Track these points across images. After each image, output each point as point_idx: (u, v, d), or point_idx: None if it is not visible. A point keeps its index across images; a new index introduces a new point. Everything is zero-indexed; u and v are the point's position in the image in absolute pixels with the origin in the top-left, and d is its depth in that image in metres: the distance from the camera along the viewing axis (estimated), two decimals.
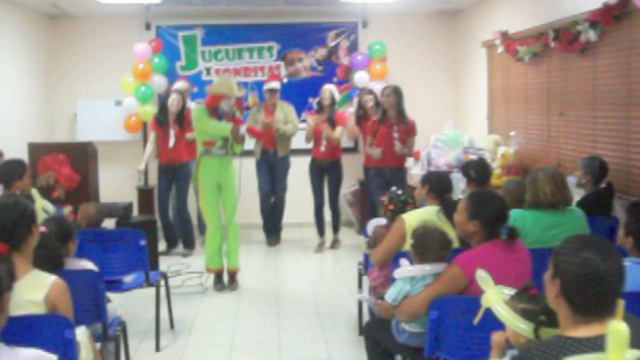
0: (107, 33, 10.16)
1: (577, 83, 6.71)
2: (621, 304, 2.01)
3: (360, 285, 6.05)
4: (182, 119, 8.46)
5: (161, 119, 8.55)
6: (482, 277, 2.85)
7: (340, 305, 6.67)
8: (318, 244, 9.02)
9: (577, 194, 5.85)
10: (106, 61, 10.06)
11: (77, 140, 9.70)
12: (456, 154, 8.85)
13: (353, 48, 10.36)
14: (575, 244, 2.36)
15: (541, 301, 2.55)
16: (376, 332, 4.12)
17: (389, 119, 8.03)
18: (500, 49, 8.21)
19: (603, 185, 5.71)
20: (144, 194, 9.32)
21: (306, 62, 10.42)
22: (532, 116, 7.84)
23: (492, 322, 2.81)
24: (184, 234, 8.89)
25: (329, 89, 8.79)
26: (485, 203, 3.66)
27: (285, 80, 10.18)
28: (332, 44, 10.41)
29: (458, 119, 10.29)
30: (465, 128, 9.88)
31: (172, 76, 9.78)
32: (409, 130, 8.04)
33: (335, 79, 10.23)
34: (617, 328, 1.91)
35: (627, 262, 3.60)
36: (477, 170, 5.74)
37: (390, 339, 3.94)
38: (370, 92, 8.95)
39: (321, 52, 10.42)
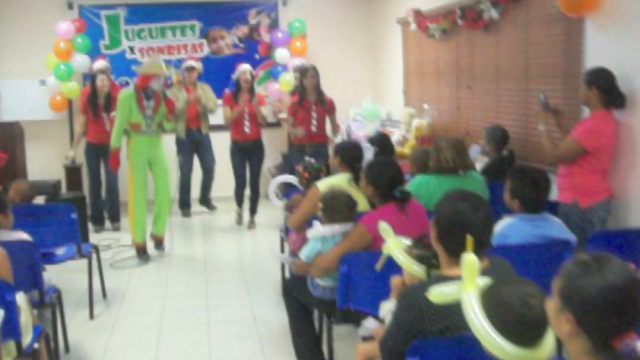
0: (31, 13, 10.19)
1: (482, 58, 7.18)
2: (470, 240, 2.40)
3: (282, 250, 6.42)
4: (111, 98, 8.63)
5: (93, 100, 8.72)
6: (384, 228, 3.27)
7: (265, 270, 7.05)
8: (238, 213, 9.16)
9: (482, 161, 6.34)
10: (30, 41, 10.10)
11: (3, 120, 9.78)
12: (374, 126, 9.26)
13: (274, 25, 10.65)
14: (451, 197, 2.78)
15: (433, 248, 2.95)
16: (294, 289, 4.52)
17: (307, 100, 8.25)
18: (413, 26, 8.63)
19: (505, 152, 6.19)
20: (72, 172, 9.46)
21: (228, 40, 10.67)
22: (443, 89, 8.31)
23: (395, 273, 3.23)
24: (112, 210, 9.15)
25: (249, 69, 8.77)
26: (379, 171, 4.12)
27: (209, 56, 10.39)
28: (254, 21, 10.68)
29: (376, 93, 10.70)
30: (383, 102, 10.30)
31: (95, 55, 9.88)
32: (328, 110, 8.35)
33: (256, 56, 10.54)
34: (468, 260, 2.31)
35: (514, 219, 4.08)
36: (378, 144, 6.11)
37: (306, 294, 4.35)
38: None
39: (243, 30, 10.69)
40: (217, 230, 9.02)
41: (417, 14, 8.51)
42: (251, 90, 8.71)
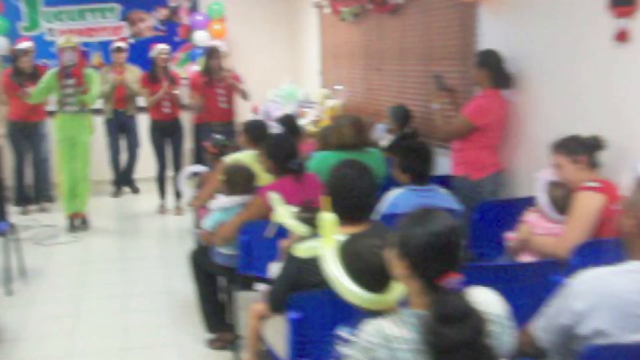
0: None
1: (390, 41, 7.51)
2: (325, 199, 2.71)
3: (198, 226, 6.63)
4: (36, 78, 8.65)
5: (17, 77, 8.71)
6: (274, 197, 3.56)
7: (182, 245, 7.26)
8: (160, 205, 9.05)
9: (387, 139, 6.67)
10: None
11: None
12: (292, 107, 9.51)
13: (193, 8, 10.77)
14: (340, 165, 3.10)
15: (318, 211, 3.24)
16: (199, 257, 4.80)
17: (213, 79, 8.34)
18: (327, 10, 8.92)
19: (408, 130, 6.52)
20: None
21: (149, 22, 10.76)
22: (356, 71, 8.62)
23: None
24: (39, 190, 9.26)
25: (166, 49, 8.75)
26: (276, 145, 4.44)
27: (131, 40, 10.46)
28: (174, 4, 10.78)
29: (294, 75, 10.93)
30: (301, 83, 10.56)
31: (13, 37, 9.87)
32: (233, 84, 8.41)
33: (176, 39, 10.68)
34: (324, 217, 2.61)
35: (402, 190, 4.41)
36: (285, 124, 6.38)
37: (210, 263, 4.63)
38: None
39: (163, 13, 10.78)
40: (139, 210, 9.20)
41: None
42: (166, 70, 8.69)
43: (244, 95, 8.60)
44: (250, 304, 3.65)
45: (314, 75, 10.31)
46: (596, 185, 3.72)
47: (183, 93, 8.77)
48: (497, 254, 4.24)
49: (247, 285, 4.37)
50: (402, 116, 6.48)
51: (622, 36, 4.05)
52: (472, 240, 4.53)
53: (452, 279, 2.08)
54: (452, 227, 2.18)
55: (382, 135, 6.78)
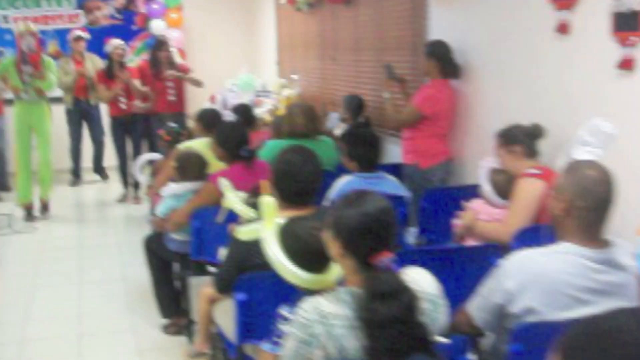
0: None
1: (344, 31, 7.62)
2: (264, 183, 2.81)
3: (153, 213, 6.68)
4: None
5: None
6: (223, 183, 3.65)
7: (139, 233, 7.28)
8: (123, 194, 9.05)
9: (341, 128, 6.77)
10: None
11: None
12: (250, 97, 9.58)
13: None
14: (286, 150, 3.20)
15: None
16: (153, 244, 4.87)
17: (161, 72, 8.32)
18: (283, 0, 8.99)
19: (361, 119, 6.63)
20: None
21: (105, 11, 10.74)
22: (311, 61, 8.72)
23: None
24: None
25: (121, 44, 8.67)
26: (226, 133, 4.54)
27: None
28: None
29: (252, 64, 10.98)
30: (259, 73, 10.63)
31: None
32: (180, 77, 8.43)
33: (133, 27, 10.68)
34: (265, 201, 2.71)
35: (351, 177, 4.51)
36: (240, 113, 6.45)
37: (164, 249, 4.70)
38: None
39: (120, 1, 10.78)
40: (97, 199, 9.22)
41: None
42: (122, 65, 8.62)
43: (197, 84, 8.63)
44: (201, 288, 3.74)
45: (271, 65, 10.39)
46: (536, 172, 3.85)
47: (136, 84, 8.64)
48: (446, 239, 4.36)
49: (200, 270, 4.45)
50: (355, 105, 6.58)
51: (563, 28, 4.19)
52: (421, 226, 4.66)
53: (385, 258, 2.18)
54: (383, 208, 2.28)
55: (336, 124, 6.88)
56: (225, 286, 3.14)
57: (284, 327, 2.43)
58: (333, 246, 2.31)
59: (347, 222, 2.26)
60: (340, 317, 2.17)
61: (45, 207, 8.19)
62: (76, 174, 9.92)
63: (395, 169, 5.36)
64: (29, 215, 8.02)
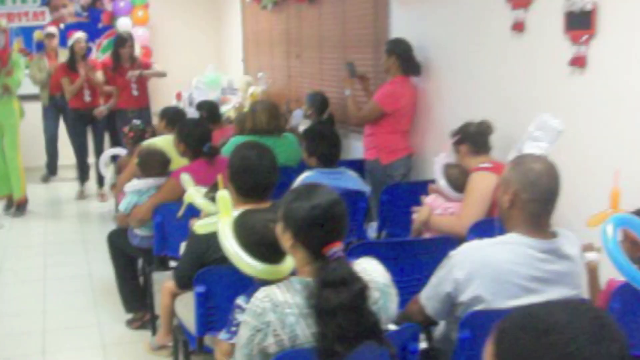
0: None
1: (308, 29, 7.70)
2: (220, 176, 2.89)
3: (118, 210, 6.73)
4: None
5: None
6: (185, 179, 3.72)
7: (104, 229, 7.30)
8: (80, 191, 9.07)
9: (305, 124, 6.84)
10: None
11: None
12: (216, 94, 9.63)
13: None
14: (242, 146, 3.27)
15: None
16: (117, 239, 4.91)
17: (123, 67, 8.31)
18: None
19: (325, 116, 6.71)
20: None
21: (71, 8, 10.69)
22: (277, 58, 8.80)
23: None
24: None
25: (83, 37, 8.58)
26: (189, 130, 4.62)
27: (61, 26, 10.36)
28: None
29: (218, 62, 11.05)
30: (225, 70, 10.68)
31: None
32: (141, 74, 8.38)
33: (100, 25, 10.66)
34: (221, 195, 2.79)
35: (313, 172, 4.59)
36: (205, 110, 6.53)
37: (127, 244, 4.75)
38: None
39: None
40: (65, 196, 9.22)
41: None
42: (84, 58, 8.57)
43: (161, 75, 8.69)
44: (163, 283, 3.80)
45: (237, 63, 10.44)
46: (488, 166, 3.96)
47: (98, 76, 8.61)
48: (406, 233, 4.44)
49: (164, 265, 4.51)
50: (319, 102, 6.66)
51: (518, 26, 4.30)
52: (381, 220, 4.76)
53: (335, 248, 2.26)
54: (333, 200, 2.35)
55: (300, 120, 6.96)
56: (185, 281, 3.21)
57: (239, 316, 2.50)
58: (284, 238, 2.38)
59: (296, 214, 2.32)
60: (292, 306, 2.24)
61: (19, 207, 8.15)
62: (50, 169, 9.85)
63: (357, 165, 5.46)
64: (9, 208, 8.13)
